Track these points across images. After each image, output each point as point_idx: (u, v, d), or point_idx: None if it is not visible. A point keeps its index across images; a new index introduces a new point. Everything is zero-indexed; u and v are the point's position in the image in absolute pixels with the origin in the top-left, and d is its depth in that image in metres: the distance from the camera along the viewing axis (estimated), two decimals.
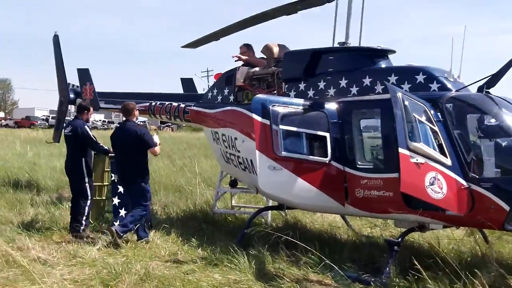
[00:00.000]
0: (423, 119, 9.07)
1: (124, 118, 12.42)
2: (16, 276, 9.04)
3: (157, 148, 12.10)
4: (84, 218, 12.28)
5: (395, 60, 11.52)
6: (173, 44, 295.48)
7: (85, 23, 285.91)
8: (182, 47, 15.94)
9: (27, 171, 21.41)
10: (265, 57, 13.19)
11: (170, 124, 70.79)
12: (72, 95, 18.14)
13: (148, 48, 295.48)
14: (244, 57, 13.49)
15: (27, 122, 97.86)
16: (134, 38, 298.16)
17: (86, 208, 12.34)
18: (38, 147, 35.21)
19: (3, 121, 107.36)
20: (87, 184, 12.42)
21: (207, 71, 53.06)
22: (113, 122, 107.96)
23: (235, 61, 13.63)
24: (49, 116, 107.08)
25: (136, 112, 12.52)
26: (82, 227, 12.17)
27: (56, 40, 18.21)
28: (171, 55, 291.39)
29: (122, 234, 11.34)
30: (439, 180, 8.71)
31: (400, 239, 9.67)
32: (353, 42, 11.73)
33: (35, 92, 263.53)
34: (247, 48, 13.78)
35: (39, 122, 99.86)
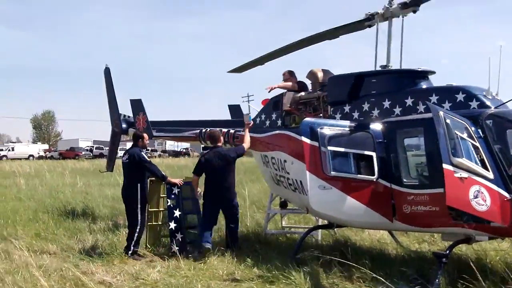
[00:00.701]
0: (465, 135, 9.44)
1: (210, 144, 13.96)
2: None
3: (246, 146, 13.62)
4: (133, 243, 12.95)
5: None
6: (217, 70, 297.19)
7: (128, 54, 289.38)
8: (228, 72, 16.57)
9: (81, 200, 22.17)
10: (310, 81, 13.71)
11: None
12: (124, 125, 18.80)
13: (190, 75, 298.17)
14: (275, 86, 14.04)
15: (72, 153, 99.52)
16: (176, 66, 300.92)
17: (136, 235, 12.98)
18: (87, 177, 36.13)
19: (47, 152, 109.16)
20: (139, 210, 13.02)
21: (248, 96, 53.64)
22: (156, 150, 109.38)
23: (268, 92, 14.13)
24: (93, 147, 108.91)
25: (221, 138, 13.79)
26: (130, 252, 12.83)
27: (107, 72, 18.90)
28: (213, 81, 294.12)
29: (237, 245, 13.18)
30: (482, 193, 9.08)
31: (448, 251, 10.01)
32: (394, 63, 12.23)
33: (78, 123, 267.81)
34: (289, 75, 14.33)
35: (83, 152, 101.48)
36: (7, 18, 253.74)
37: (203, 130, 16.40)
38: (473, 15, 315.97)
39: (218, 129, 15.09)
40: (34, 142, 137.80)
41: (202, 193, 13.35)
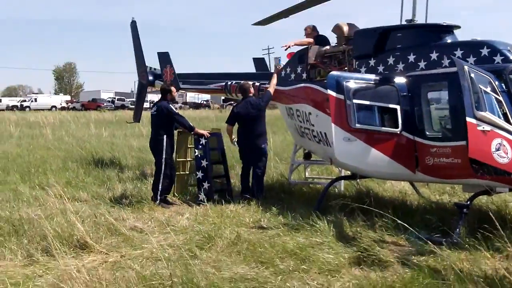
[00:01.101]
0: (488, 89, 9.63)
1: (241, 96, 14.60)
2: (118, 243, 9.99)
3: (271, 90, 14.09)
4: (159, 192, 13.40)
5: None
6: (240, 23, 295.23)
7: (153, 7, 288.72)
8: (253, 24, 16.60)
9: (108, 150, 22.66)
10: (335, 35, 13.87)
11: (233, 102, 72.11)
12: (151, 77, 19.15)
13: (215, 28, 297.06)
14: (292, 43, 14.34)
15: (94, 104, 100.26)
16: (200, 19, 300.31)
17: (160, 185, 13.43)
18: (111, 127, 36.67)
19: (70, 104, 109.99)
20: (163, 161, 13.46)
21: (268, 48, 53.93)
22: (177, 102, 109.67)
23: (285, 50, 14.53)
24: (114, 98, 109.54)
25: (252, 90, 14.17)
26: (157, 201, 13.29)
27: (133, 25, 19.17)
28: (238, 35, 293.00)
29: (262, 194, 13.77)
30: (504, 146, 9.31)
31: (469, 202, 10.34)
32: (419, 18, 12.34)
33: (100, 74, 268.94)
34: (311, 30, 14.56)
35: (105, 104, 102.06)
36: None
37: (229, 83, 16.68)
38: None
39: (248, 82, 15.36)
40: (56, 93, 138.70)
41: (236, 140, 14.13)
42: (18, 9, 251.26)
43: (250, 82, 14.97)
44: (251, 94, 14.12)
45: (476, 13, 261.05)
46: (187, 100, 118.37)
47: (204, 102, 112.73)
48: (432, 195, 13.96)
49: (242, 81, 14.84)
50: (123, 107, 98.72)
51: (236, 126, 14.04)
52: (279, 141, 24.39)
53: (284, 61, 15.15)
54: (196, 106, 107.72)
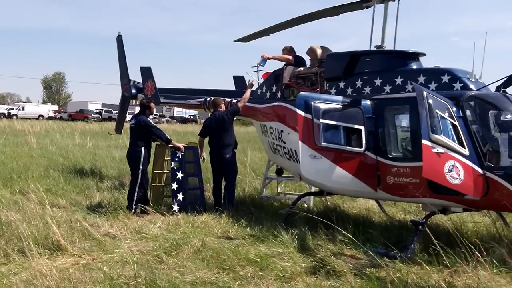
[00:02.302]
0: (445, 114, 10.24)
1: (212, 110, 15.21)
2: (91, 247, 10.49)
3: (240, 104, 14.88)
4: (134, 202, 13.93)
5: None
6: (225, 39, 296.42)
7: (137, 19, 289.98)
8: (235, 41, 17.44)
9: (90, 160, 23.12)
10: (309, 57, 14.49)
11: None
12: (133, 91, 19.76)
13: (200, 43, 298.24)
14: (271, 56, 15.15)
15: (81, 115, 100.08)
16: (185, 33, 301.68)
17: (135, 194, 13.96)
18: (95, 138, 37.06)
19: (57, 113, 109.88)
20: (140, 172, 14.00)
21: (257, 65, 54.41)
22: (164, 116, 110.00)
23: (262, 59, 15.23)
24: (102, 110, 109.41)
25: (223, 105, 14.95)
26: (132, 211, 13.80)
27: (119, 40, 19.72)
28: (224, 49, 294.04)
29: (232, 206, 14.32)
30: (457, 167, 9.90)
31: (424, 220, 10.88)
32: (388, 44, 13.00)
33: (88, 85, 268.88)
34: (288, 51, 15.15)
35: (92, 115, 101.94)
36: None
37: (208, 99, 17.22)
38: None
39: (221, 98, 15.88)
40: (44, 102, 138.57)
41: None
42: (7, 17, 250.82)
43: (228, 99, 15.61)
44: (220, 109, 14.88)
45: None
46: (175, 115, 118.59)
47: (191, 117, 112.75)
48: (397, 214, 14.48)
49: (216, 97, 15.58)
50: (110, 118, 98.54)
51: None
52: (258, 157, 24.98)
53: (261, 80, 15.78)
54: (183, 120, 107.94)
